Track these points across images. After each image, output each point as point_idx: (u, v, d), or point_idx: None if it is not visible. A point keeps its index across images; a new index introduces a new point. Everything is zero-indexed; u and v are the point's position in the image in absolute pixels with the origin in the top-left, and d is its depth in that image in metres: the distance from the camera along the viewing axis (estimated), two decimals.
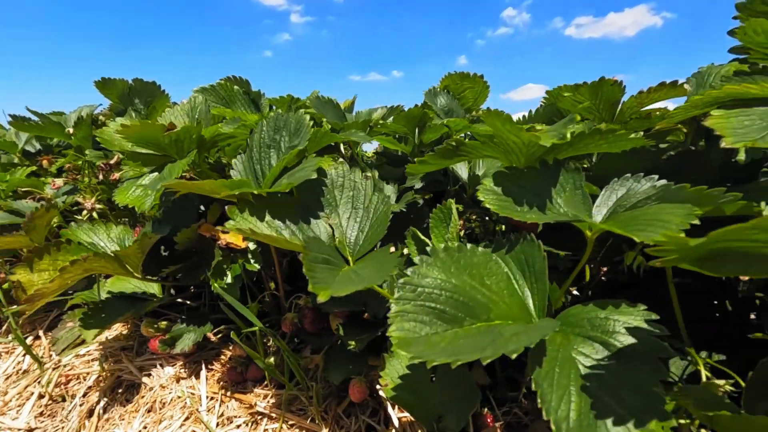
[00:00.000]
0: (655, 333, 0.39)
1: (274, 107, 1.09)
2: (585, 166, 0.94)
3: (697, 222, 0.38)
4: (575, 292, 0.99)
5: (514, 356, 0.33)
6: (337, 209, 0.61)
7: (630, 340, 0.40)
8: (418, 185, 0.92)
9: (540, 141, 0.49)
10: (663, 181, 0.52)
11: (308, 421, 0.74)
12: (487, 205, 0.53)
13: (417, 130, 0.99)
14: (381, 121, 0.89)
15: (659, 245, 0.33)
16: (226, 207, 0.56)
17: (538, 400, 0.36)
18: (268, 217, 0.57)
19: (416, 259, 0.44)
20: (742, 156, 0.61)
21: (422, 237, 0.67)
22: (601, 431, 0.34)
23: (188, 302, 1.11)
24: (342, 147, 1.10)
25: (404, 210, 0.75)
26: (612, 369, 0.38)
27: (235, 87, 1.07)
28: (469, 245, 0.47)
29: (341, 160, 0.64)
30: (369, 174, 0.61)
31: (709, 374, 0.63)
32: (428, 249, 0.45)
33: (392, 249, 0.52)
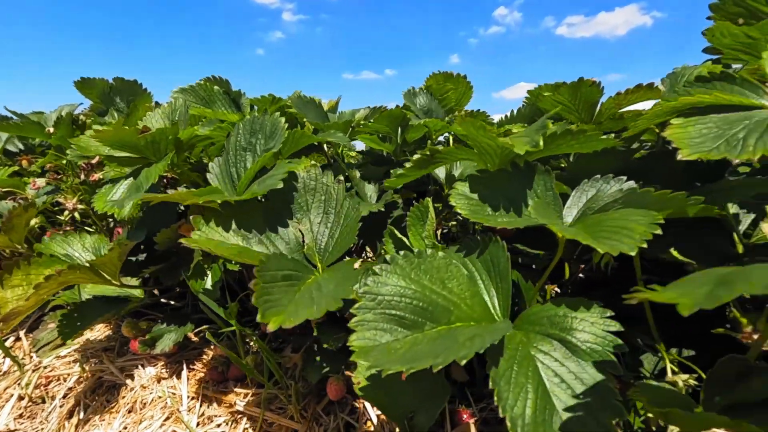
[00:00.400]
0: (610, 330, 0.40)
1: (255, 107, 1.08)
2: (562, 165, 0.95)
3: (659, 231, 0.39)
4: (558, 290, 1.01)
5: (463, 362, 0.34)
6: (308, 214, 0.62)
7: (586, 336, 0.40)
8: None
9: (514, 149, 0.49)
10: (630, 183, 0.53)
11: (287, 420, 0.75)
12: (458, 210, 0.53)
13: (399, 130, 0.99)
14: (363, 122, 0.89)
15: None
16: (191, 217, 0.55)
17: (495, 398, 0.37)
18: (234, 227, 0.57)
19: (375, 268, 0.44)
20: None
21: (399, 235, 0.68)
22: (556, 427, 0.35)
23: (172, 302, 1.11)
24: (325, 146, 1.10)
25: (382, 210, 0.75)
26: (568, 366, 0.39)
27: (215, 87, 1.07)
28: (429, 250, 0.48)
29: (313, 162, 0.64)
30: (341, 178, 0.61)
31: (676, 369, 0.65)
32: (388, 257, 0.45)
33: (357, 264, 0.52)
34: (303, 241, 0.61)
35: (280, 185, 0.57)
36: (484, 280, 0.48)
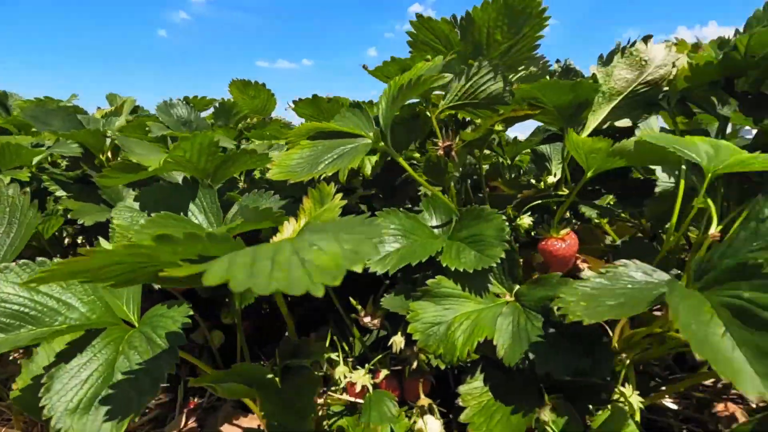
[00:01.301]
0: (183, 328, 0.48)
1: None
2: None
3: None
4: None
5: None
6: None
7: (165, 333, 0.48)
8: None
9: (167, 158, 0.56)
10: (275, 199, 0.63)
11: (11, 429, 0.75)
12: (115, 222, 0.59)
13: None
14: (110, 132, 0.91)
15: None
16: None
17: (43, 390, 0.43)
18: None
19: None
20: None
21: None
22: (97, 415, 0.42)
23: None
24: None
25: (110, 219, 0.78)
26: (143, 360, 0.46)
27: None
28: (56, 259, 0.52)
29: (0, 177, 0.66)
30: (27, 190, 0.64)
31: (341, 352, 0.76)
32: (1, 266, 0.49)
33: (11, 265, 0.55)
34: None
35: None
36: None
